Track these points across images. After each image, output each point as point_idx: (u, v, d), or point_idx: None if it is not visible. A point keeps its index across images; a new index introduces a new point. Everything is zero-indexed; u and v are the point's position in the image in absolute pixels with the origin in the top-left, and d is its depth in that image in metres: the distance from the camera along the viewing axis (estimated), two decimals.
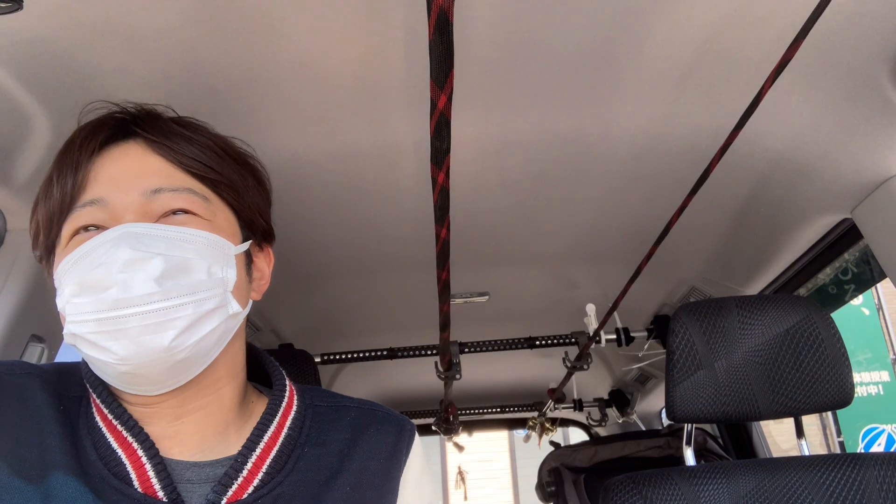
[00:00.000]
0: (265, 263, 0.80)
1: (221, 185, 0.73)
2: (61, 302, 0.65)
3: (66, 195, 0.68)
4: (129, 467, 0.64)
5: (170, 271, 0.63)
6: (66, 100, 0.94)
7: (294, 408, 0.76)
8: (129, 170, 0.69)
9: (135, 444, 0.65)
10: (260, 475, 0.68)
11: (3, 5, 0.73)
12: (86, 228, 0.67)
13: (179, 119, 0.76)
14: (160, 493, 0.64)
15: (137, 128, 0.71)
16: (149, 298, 0.62)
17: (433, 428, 3.25)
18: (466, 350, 2.06)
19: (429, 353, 2.09)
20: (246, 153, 0.80)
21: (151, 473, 0.64)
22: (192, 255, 0.66)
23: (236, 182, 0.74)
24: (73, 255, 0.65)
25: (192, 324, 0.64)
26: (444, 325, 1.42)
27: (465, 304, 2.08)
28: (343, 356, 2.11)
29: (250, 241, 0.76)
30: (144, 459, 0.65)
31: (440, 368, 1.92)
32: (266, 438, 0.71)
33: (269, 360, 0.81)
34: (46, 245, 0.70)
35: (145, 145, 0.71)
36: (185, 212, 0.69)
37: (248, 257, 0.76)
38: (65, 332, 0.65)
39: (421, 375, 2.89)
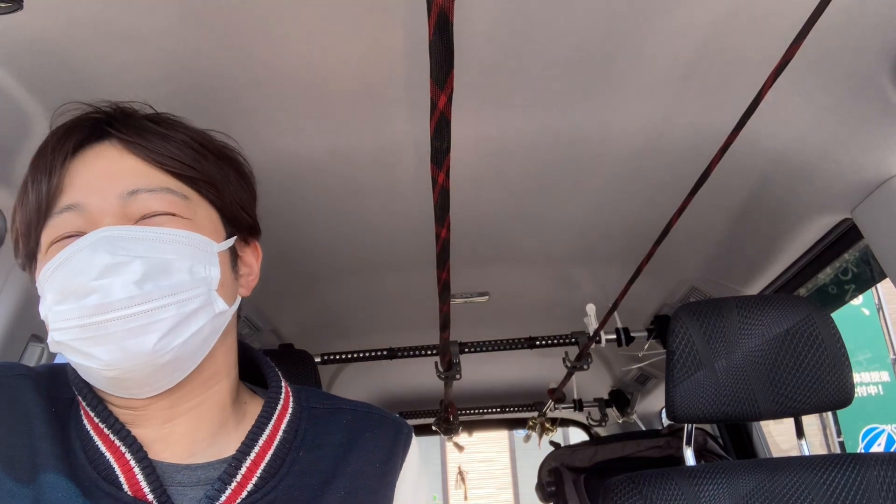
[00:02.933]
0: (253, 258, 0.79)
1: (200, 182, 0.71)
2: (44, 310, 0.64)
3: (42, 201, 0.66)
4: (118, 470, 0.64)
5: (150, 273, 0.63)
6: (66, 100, 0.94)
7: (290, 410, 0.75)
8: (104, 172, 0.68)
9: (122, 447, 0.65)
10: (254, 479, 0.67)
11: (3, 5, 0.73)
12: (65, 236, 0.66)
13: (155, 116, 0.75)
14: (149, 496, 0.63)
15: (111, 128, 0.70)
16: (129, 302, 0.61)
17: (433, 428, 3.25)
18: (466, 350, 2.06)
19: (429, 353, 2.09)
20: (226, 146, 0.78)
21: (140, 476, 0.64)
22: (172, 255, 0.65)
23: (216, 178, 0.73)
24: (53, 263, 0.64)
25: (176, 325, 0.63)
26: (444, 325, 1.42)
27: (465, 304, 2.08)
28: (343, 356, 2.11)
29: (235, 238, 0.74)
30: (133, 462, 0.64)
31: (440, 368, 1.92)
32: (261, 441, 0.70)
33: (263, 360, 0.80)
34: (27, 253, 0.69)
35: (120, 146, 0.69)
36: (164, 212, 0.67)
37: (234, 253, 0.74)
38: (49, 339, 0.64)
39: (421, 375, 2.89)
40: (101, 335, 0.61)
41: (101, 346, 0.61)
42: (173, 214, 0.68)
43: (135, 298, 0.61)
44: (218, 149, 0.76)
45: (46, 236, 0.67)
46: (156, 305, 0.62)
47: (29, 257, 0.70)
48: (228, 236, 0.74)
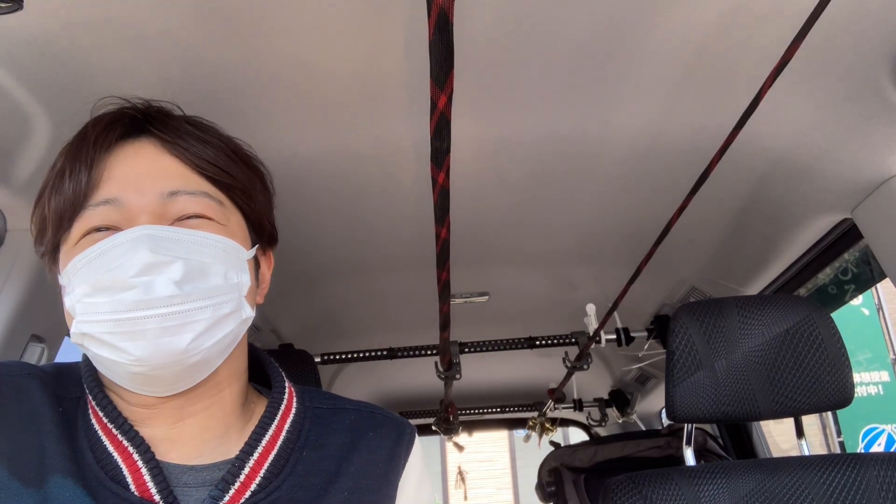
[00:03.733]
0: (266, 267, 0.81)
1: (235, 189, 0.73)
2: (71, 301, 0.64)
3: (80, 192, 0.67)
4: (125, 470, 0.64)
5: (190, 275, 0.64)
6: (66, 100, 0.94)
7: (293, 410, 0.76)
8: (144, 169, 0.68)
9: (130, 448, 0.65)
10: (258, 479, 0.68)
11: (3, 5, 0.73)
12: (98, 229, 0.66)
13: (190, 118, 0.76)
14: (156, 497, 0.63)
15: (151, 126, 0.71)
16: (170, 301, 0.62)
17: (433, 428, 3.25)
18: (466, 350, 2.06)
19: (429, 353, 2.09)
20: (252, 156, 0.80)
21: (147, 476, 0.64)
22: (209, 259, 0.66)
23: (248, 187, 0.75)
24: (87, 255, 0.64)
25: (210, 327, 0.64)
26: (444, 325, 1.42)
27: (465, 304, 2.08)
28: (343, 356, 2.11)
29: (257, 246, 0.76)
30: (140, 463, 0.64)
31: (440, 368, 1.92)
32: (264, 442, 0.70)
33: (268, 362, 0.81)
34: (54, 241, 0.69)
35: (159, 144, 0.71)
36: (201, 216, 0.68)
37: (256, 262, 0.76)
38: (73, 330, 0.64)
39: (421, 375, 2.89)
40: (136, 331, 0.61)
41: (134, 342, 0.61)
42: (210, 219, 0.69)
43: (175, 298, 0.62)
44: (247, 157, 0.78)
45: (79, 227, 0.67)
46: (194, 307, 0.63)
47: (54, 246, 0.70)
48: (252, 245, 0.75)
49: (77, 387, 0.71)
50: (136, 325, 0.61)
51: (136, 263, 0.62)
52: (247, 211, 0.75)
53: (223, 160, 0.72)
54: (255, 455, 0.69)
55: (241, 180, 0.74)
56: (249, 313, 0.70)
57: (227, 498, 0.65)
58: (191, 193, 0.68)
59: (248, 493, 0.66)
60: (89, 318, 0.62)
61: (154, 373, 0.63)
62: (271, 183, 0.82)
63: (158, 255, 0.62)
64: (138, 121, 0.72)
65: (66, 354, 1.23)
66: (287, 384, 0.78)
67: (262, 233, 0.78)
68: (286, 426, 0.73)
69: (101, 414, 0.67)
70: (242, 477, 0.67)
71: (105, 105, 0.75)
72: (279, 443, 0.71)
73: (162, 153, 0.70)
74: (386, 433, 0.79)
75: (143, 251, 0.62)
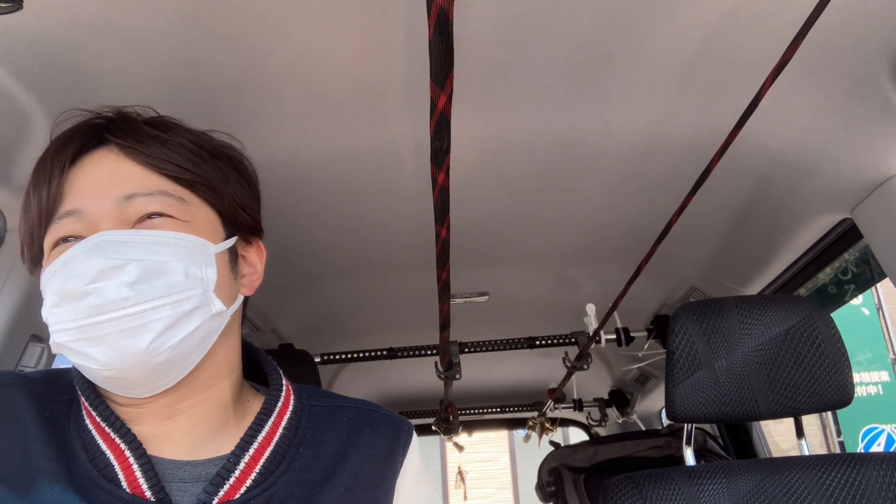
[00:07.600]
0: (256, 258, 0.79)
1: (197, 184, 0.72)
2: (45, 312, 0.66)
3: (43, 208, 0.68)
4: (117, 468, 0.64)
5: (144, 275, 0.64)
6: (66, 100, 0.94)
7: (290, 407, 0.76)
8: (102, 178, 0.69)
9: (122, 445, 0.66)
10: (253, 475, 0.68)
11: (3, 5, 0.73)
12: (65, 239, 0.68)
13: (154, 120, 0.76)
14: (147, 493, 0.64)
15: (110, 134, 0.71)
16: (123, 303, 0.62)
17: (433, 428, 3.25)
18: (466, 350, 2.06)
19: (429, 353, 2.09)
20: (227, 146, 0.78)
21: (139, 473, 0.64)
22: (167, 257, 0.66)
23: (214, 180, 0.74)
24: (52, 267, 0.66)
25: (170, 326, 0.64)
26: (444, 325, 1.42)
27: (465, 304, 2.08)
28: (343, 356, 2.11)
29: (234, 238, 0.75)
30: (132, 459, 0.65)
31: (440, 368, 1.92)
32: (260, 438, 0.70)
33: (265, 359, 0.81)
34: (31, 258, 0.72)
35: (118, 151, 0.71)
36: (161, 215, 0.68)
37: (234, 254, 0.75)
38: (50, 341, 0.66)
39: (421, 375, 2.89)
40: (96, 336, 0.62)
41: (97, 347, 0.62)
42: (170, 216, 0.69)
43: (129, 300, 0.63)
44: (217, 150, 0.77)
45: (48, 241, 0.69)
46: (149, 307, 0.63)
47: (34, 262, 0.72)
48: (228, 237, 0.74)
49: (68, 390, 0.72)
50: (96, 330, 0.62)
51: (90, 270, 0.63)
52: (215, 205, 0.74)
53: (184, 157, 0.72)
54: (251, 451, 0.69)
55: (203, 175, 0.73)
56: (220, 307, 0.69)
57: (221, 493, 0.65)
58: (148, 194, 0.68)
59: (242, 489, 0.66)
60: (57, 328, 0.64)
61: (124, 375, 0.64)
62: (254, 172, 0.81)
63: (111, 260, 0.63)
64: (98, 130, 0.72)
65: None
66: (284, 381, 0.79)
67: (240, 224, 0.76)
68: (283, 423, 0.73)
69: (93, 413, 0.68)
70: (237, 473, 0.67)
71: (67, 119, 0.76)
72: (275, 439, 0.71)
73: (121, 160, 0.70)
74: (383, 431, 0.79)
75: (96, 257, 0.63)
